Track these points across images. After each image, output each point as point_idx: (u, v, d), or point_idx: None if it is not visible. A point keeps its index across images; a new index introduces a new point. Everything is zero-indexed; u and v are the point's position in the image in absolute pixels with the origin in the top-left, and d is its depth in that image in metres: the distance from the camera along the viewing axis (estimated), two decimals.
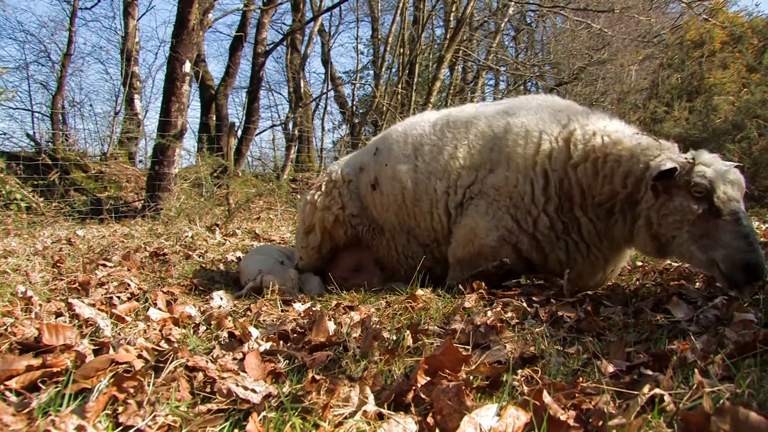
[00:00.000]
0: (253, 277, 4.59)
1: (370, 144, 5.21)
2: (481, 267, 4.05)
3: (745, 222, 3.31)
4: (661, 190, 3.52)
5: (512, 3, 18.73)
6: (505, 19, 21.70)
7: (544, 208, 3.89)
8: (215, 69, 45.85)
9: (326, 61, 27.11)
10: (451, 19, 19.69)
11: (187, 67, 12.76)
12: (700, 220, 3.38)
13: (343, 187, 4.99)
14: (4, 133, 24.31)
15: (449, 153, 4.32)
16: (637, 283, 4.14)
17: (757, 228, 8.38)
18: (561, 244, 3.93)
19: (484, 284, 3.79)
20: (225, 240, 7.86)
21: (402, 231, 4.73)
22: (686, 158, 3.51)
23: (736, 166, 3.53)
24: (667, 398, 1.77)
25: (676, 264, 4.49)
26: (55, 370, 2.22)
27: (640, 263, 4.97)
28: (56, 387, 2.10)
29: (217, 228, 8.96)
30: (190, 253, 6.41)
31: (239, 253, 6.39)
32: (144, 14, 26.60)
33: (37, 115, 23.95)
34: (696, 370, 2.00)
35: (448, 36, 18.83)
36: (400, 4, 19.18)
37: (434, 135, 4.50)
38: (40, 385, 2.13)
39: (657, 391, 1.79)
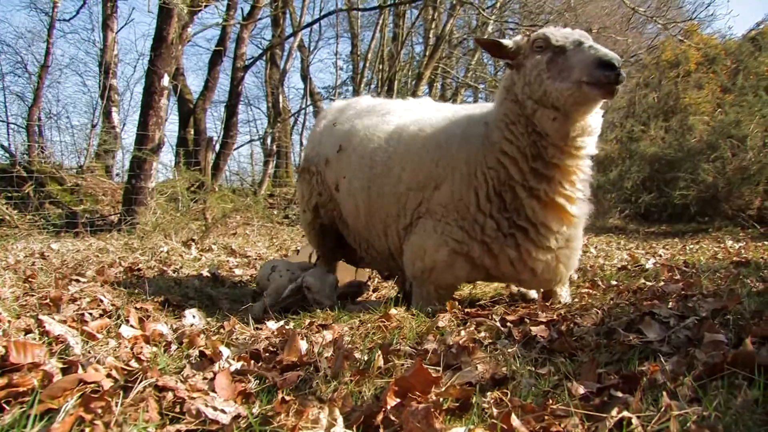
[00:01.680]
0: (279, 286, 4.67)
1: (336, 132, 5.21)
2: (436, 279, 4.17)
3: (588, 43, 3.58)
4: (515, 65, 3.89)
5: (491, 21, 18.87)
6: (485, 37, 21.85)
7: (490, 213, 3.97)
8: (194, 83, 45.79)
9: (305, 77, 27.17)
10: (431, 36, 19.86)
11: (166, 80, 12.73)
12: (551, 63, 3.65)
13: (316, 176, 5.25)
14: None
15: (397, 175, 4.38)
16: (611, 302, 4.16)
17: (729, 247, 8.47)
18: (510, 241, 3.98)
19: (457, 304, 3.81)
20: (201, 255, 7.82)
21: (362, 236, 4.92)
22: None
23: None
24: (635, 421, 1.78)
25: (651, 283, 4.52)
26: (21, 389, 2.19)
27: (615, 282, 5.00)
28: (21, 407, 2.07)
29: (193, 243, 8.92)
30: (165, 268, 6.37)
31: (224, 271, 6.35)
32: (123, 27, 26.46)
33: (12, 126, 23.77)
34: (665, 393, 2.01)
35: (427, 53, 18.99)
36: (380, 21, 19.30)
37: (386, 151, 4.54)
38: (5, 405, 2.10)
39: (625, 414, 1.80)
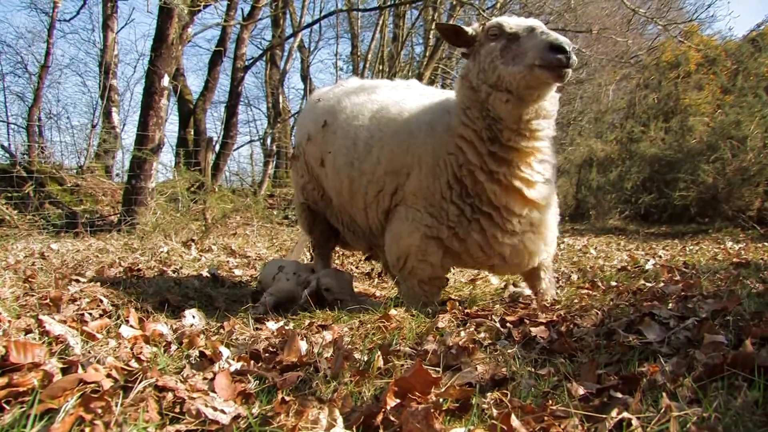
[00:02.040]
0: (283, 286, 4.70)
1: (319, 108, 5.29)
2: (413, 267, 4.25)
3: (541, 29, 3.66)
4: (470, 53, 4.01)
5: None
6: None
7: (451, 199, 4.04)
8: (194, 83, 45.80)
9: (305, 77, 27.22)
10: (431, 36, 19.83)
11: (166, 81, 12.73)
12: (505, 49, 3.75)
13: (299, 161, 5.45)
14: None
15: (376, 158, 4.47)
16: (611, 303, 4.16)
17: (729, 248, 8.47)
18: (475, 226, 4.06)
19: (457, 304, 3.82)
20: (201, 256, 7.82)
21: (345, 211, 5.03)
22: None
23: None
24: (635, 422, 1.78)
25: (650, 284, 4.52)
26: (21, 389, 2.19)
27: (614, 283, 5.00)
28: (21, 407, 2.07)
29: (192, 243, 8.92)
30: (165, 268, 6.37)
31: (221, 271, 6.35)
32: (123, 27, 26.53)
33: (12, 126, 23.85)
34: (665, 393, 2.01)
35: (427, 53, 18.99)
36: (380, 22, 19.29)
37: (369, 131, 4.62)
38: (5, 405, 2.10)
39: (625, 414, 1.80)
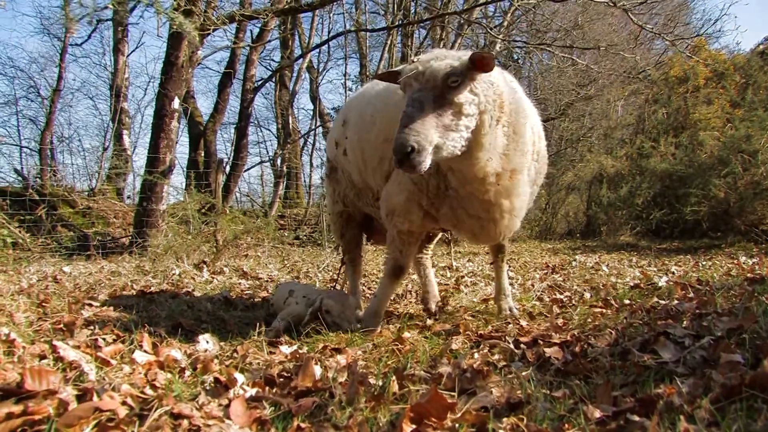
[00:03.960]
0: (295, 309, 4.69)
1: (341, 112, 5.73)
2: (397, 221, 4.51)
3: (410, 95, 3.58)
4: None
5: (499, 39, 18.93)
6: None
7: (430, 173, 4.02)
8: (204, 105, 45.98)
9: (315, 98, 27.33)
10: None
11: (176, 103, 12.81)
12: None
13: (336, 169, 5.66)
14: None
15: (377, 127, 4.65)
16: (625, 321, 4.14)
17: (743, 263, 8.42)
18: (447, 201, 4.20)
19: (470, 325, 3.81)
20: (212, 278, 7.83)
21: (366, 186, 5.20)
22: None
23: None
24: None
25: (664, 302, 4.50)
26: (36, 417, 2.19)
27: (627, 301, 4.97)
28: None
29: (204, 265, 8.94)
30: (177, 291, 6.38)
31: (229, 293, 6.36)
32: (133, 51, 26.78)
33: (25, 150, 24.00)
34: (682, 416, 1.99)
35: None
36: (388, 41, 19.39)
37: (373, 106, 4.80)
38: None
39: None
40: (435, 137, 3.47)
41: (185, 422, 2.22)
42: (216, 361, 3.38)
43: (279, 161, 24.11)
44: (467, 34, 20.84)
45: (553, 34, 18.75)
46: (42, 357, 3.20)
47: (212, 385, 2.90)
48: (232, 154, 21.94)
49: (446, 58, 3.64)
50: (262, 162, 30.29)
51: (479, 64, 3.57)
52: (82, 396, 2.48)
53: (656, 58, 23.42)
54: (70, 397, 2.38)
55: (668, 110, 19.83)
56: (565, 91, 21.75)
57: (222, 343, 4.03)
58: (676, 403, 2.18)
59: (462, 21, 19.30)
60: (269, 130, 33.94)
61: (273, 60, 28.37)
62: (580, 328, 3.91)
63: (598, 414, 2.17)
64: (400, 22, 18.65)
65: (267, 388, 2.82)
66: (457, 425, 2.10)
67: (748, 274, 6.42)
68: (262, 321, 4.49)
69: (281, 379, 2.95)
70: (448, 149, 3.57)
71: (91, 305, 5.19)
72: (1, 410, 2.13)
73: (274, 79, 23.20)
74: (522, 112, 4.03)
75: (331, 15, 26.04)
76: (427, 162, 3.44)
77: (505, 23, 20.41)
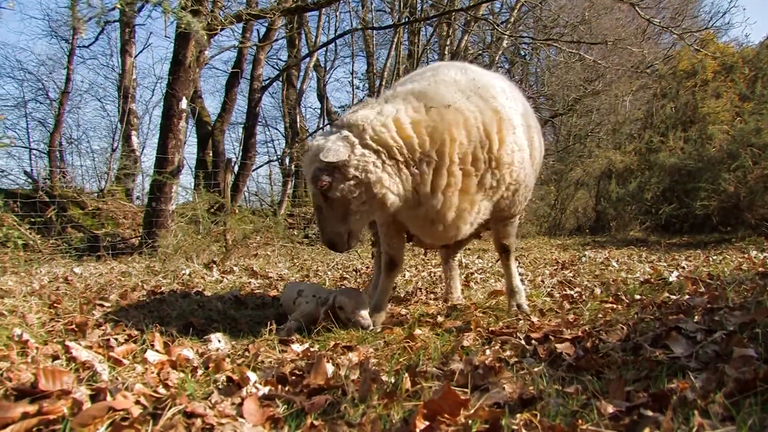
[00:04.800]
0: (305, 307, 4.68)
1: None
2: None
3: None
4: None
5: (506, 36, 18.89)
6: (500, 52, 21.89)
7: None
8: (212, 105, 46.04)
9: (322, 96, 27.37)
10: (446, 52, 19.89)
11: (184, 103, 12.82)
12: None
13: None
14: (2, 171, 24.35)
15: None
16: (636, 317, 4.12)
17: (754, 257, 8.38)
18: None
19: (481, 322, 3.81)
20: (222, 277, 7.84)
21: None
22: None
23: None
24: None
25: (675, 297, 4.49)
26: (51, 417, 2.20)
27: (638, 296, 4.96)
28: None
29: (214, 265, 8.95)
30: (188, 291, 6.39)
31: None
32: (141, 52, 26.75)
33: (34, 152, 24.14)
34: (696, 411, 1.99)
35: None
36: (395, 39, 19.37)
37: None
38: None
39: None
40: (343, 228, 3.93)
41: (198, 421, 2.22)
42: (228, 360, 3.39)
43: (287, 160, 24.15)
44: (474, 30, 20.83)
45: (560, 29, 18.67)
46: (55, 357, 3.22)
47: (225, 383, 2.91)
48: (241, 154, 22.03)
49: (314, 162, 3.80)
50: (270, 161, 30.35)
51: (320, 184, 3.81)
52: (96, 396, 2.49)
53: (664, 53, 23.31)
54: (84, 397, 2.39)
55: (676, 104, 19.78)
56: (572, 86, 21.72)
57: (233, 342, 4.04)
58: (689, 398, 2.17)
59: (469, 18, 19.26)
60: (277, 129, 33.99)
61: (280, 59, 28.44)
62: (591, 324, 3.90)
63: (611, 409, 2.17)
64: (407, 19, 18.63)
65: (279, 386, 2.83)
66: (470, 421, 2.10)
67: (760, 268, 6.39)
68: (273, 320, 4.48)
69: (293, 378, 2.95)
70: (363, 223, 4.10)
71: (102, 306, 5.20)
72: (17, 410, 2.14)
73: (281, 78, 23.21)
74: (448, 131, 3.91)
75: (338, 13, 26.06)
76: (354, 241, 4.04)
77: (512, 19, 20.39)
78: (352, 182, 3.73)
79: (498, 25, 18.65)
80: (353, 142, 3.75)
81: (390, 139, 3.76)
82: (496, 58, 22.46)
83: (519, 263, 9.86)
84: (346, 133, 3.80)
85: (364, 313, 4.42)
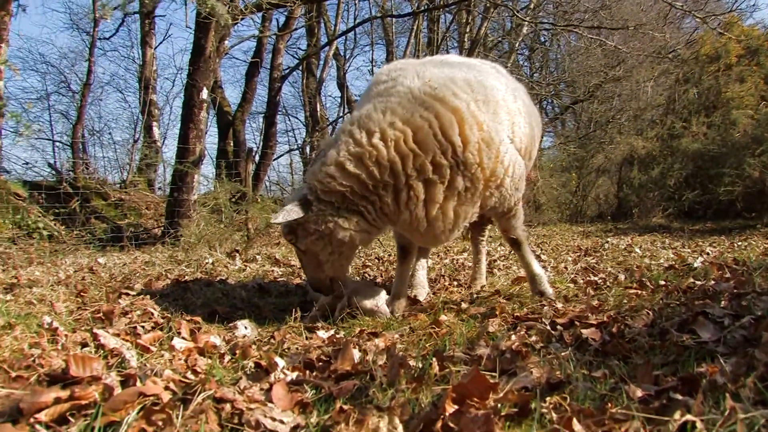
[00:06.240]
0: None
1: None
2: None
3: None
4: None
5: (526, 22, 18.78)
6: (519, 39, 21.78)
7: None
8: (232, 95, 46.20)
9: (342, 85, 27.36)
10: (466, 40, 19.82)
11: (204, 93, 12.86)
12: None
13: None
14: (27, 163, 24.64)
15: None
16: (661, 302, 4.10)
17: None
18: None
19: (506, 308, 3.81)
20: (245, 266, 7.88)
21: None
22: None
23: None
24: (699, 425, 1.75)
25: (700, 282, 4.45)
26: (83, 402, 2.22)
27: (663, 282, 4.93)
28: (85, 420, 2.10)
29: (237, 254, 8.99)
30: (211, 279, 6.43)
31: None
32: (161, 43, 26.96)
33: (58, 144, 24.39)
34: (727, 395, 1.98)
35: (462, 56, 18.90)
36: (415, 27, 19.32)
37: None
38: (69, 417, 2.13)
39: (689, 417, 1.78)
40: (321, 274, 4.27)
41: (228, 406, 2.24)
42: (254, 346, 3.41)
43: (308, 149, 24.20)
44: (493, 17, 20.70)
45: (580, 14, 18.50)
46: (84, 345, 3.25)
47: (252, 369, 2.93)
48: (261, 143, 22.07)
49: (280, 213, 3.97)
50: (291, 150, 30.49)
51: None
52: (125, 381, 2.51)
53: (686, 37, 23.06)
54: (115, 383, 2.41)
55: (699, 89, 19.57)
56: (593, 72, 21.52)
57: (259, 329, 4.07)
58: (719, 382, 2.16)
59: (488, 4, 19.15)
60: (297, 118, 34.10)
61: (299, 48, 28.47)
62: (616, 309, 3.88)
63: (640, 393, 2.16)
64: (426, 6, 18.56)
65: (307, 372, 2.84)
66: (499, 405, 2.10)
67: None
68: (297, 307, 4.50)
69: (320, 363, 2.97)
70: (341, 268, 4.30)
71: (127, 294, 5.24)
72: (50, 395, 2.17)
73: (301, 68, 23.24)
74: (396, 150, 3.86)
75: (357, 2, 26.05)
76: (336, 284, 4.33)
77: (532, 5, 20.24)
78: (314, 236, 3.96)
79: (518, 12, 18.53)
80: (310, 201, 3.91)
81: (338, 186, 3.81)
82: (516, 45, 22.35)
83: (541, 250, 9.84)
84: (305, 192, 3.98)
85: (383, 306, 4.42)
